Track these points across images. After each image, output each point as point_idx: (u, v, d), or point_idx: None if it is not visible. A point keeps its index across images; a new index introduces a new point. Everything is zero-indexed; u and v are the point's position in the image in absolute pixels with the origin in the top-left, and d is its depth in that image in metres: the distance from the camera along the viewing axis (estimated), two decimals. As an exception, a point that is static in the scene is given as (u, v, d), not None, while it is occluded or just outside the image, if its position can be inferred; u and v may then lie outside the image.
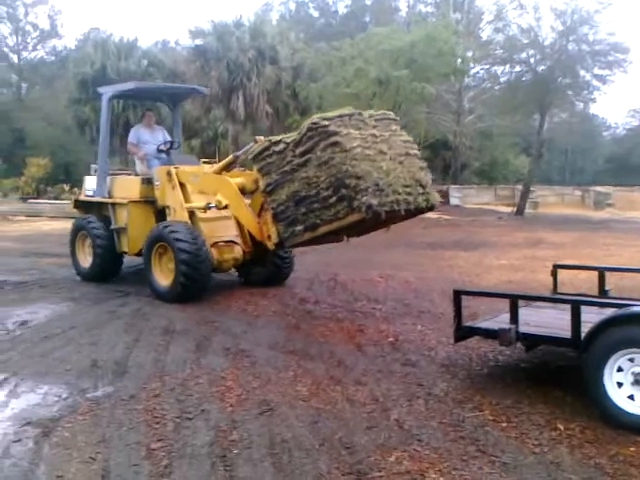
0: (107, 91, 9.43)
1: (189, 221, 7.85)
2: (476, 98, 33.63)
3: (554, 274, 6.05)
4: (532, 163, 28.83)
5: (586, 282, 7.42)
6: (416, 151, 6.52)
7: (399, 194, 5.85)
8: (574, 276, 8.26)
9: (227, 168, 7.85)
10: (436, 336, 6.05)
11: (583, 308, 4.26)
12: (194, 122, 37.31)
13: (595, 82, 25.58)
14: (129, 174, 9.49)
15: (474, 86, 34.94)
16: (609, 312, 4.12)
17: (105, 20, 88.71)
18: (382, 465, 3.40)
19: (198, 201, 7.93)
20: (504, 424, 3.93)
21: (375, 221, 6.02)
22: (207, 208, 7.71)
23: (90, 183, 9.38)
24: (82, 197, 9.66)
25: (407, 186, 6.01)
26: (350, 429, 3.89)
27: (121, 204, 8.73)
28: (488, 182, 40.16)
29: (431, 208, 6.46)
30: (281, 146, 6.26)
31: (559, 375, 4.92)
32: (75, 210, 9.97)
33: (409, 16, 27.30)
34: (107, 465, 3.44)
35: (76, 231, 9.30)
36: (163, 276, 7.79)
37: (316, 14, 54.31)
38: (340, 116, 6.07)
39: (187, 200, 7.98)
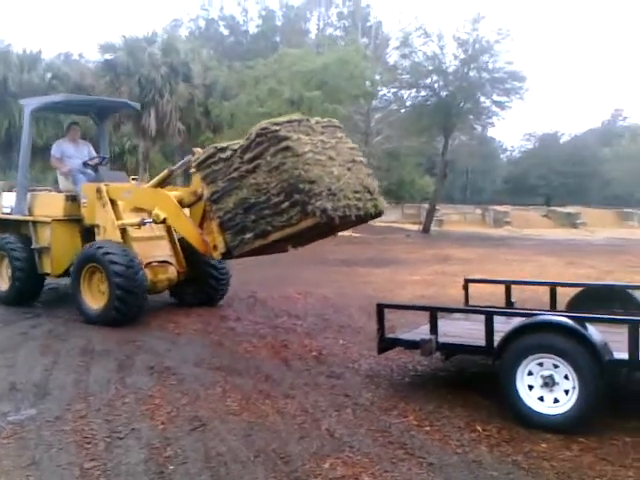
0: (30, 103, 8.97)
1: (121, 240, 7.58)
2: (383, 120, 34.74)
3: (465, 288, 6.45)
4: (437, 183, 30.13)
5: (492, 295, 7.86)
6: (362, 158, 6.51)
7: (349, 199, 5.81)
8: (482, 290, 8.73)
9: (162, 183, 7.65)
10: (358, 349, 6.29)
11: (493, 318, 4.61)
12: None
13: (494, 108, 27.28)
14: (49, 190, 9.11)
15: (381, 108, 36.15)
16: (517, 321, 4.48)
17: (3, 30, 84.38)
18: (317, 472, 3.54)
19: (130, 219, 7.67)
20: (428, 428, 4.18)
21: (327, 227, 5.98)
22: (142, 224, 7.48)
23: (7, 199, 8.89)
24: None
25: (357, 192, 5.98)
26: (283, 440, 4.00)
27: (43, 222, 8.30)
28: (395, 201, 41.55)
29: (379, 214, 6.42)
30: (228, 153, 6.13)
31: (474, 381, 5.27)
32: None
33: (319, 38, 27.88)
34: (40, 487, 3.38)
35: None
36: (94, 299, 7.44)
37: (226, 32, 54.34)
38: (289, 121, 6.02)
39: (118, 218, 7.71)
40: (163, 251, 8.02)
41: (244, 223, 6.02)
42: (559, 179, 49.02)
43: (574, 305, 5.71)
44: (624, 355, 4.04)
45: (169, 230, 8.17)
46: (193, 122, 24.59)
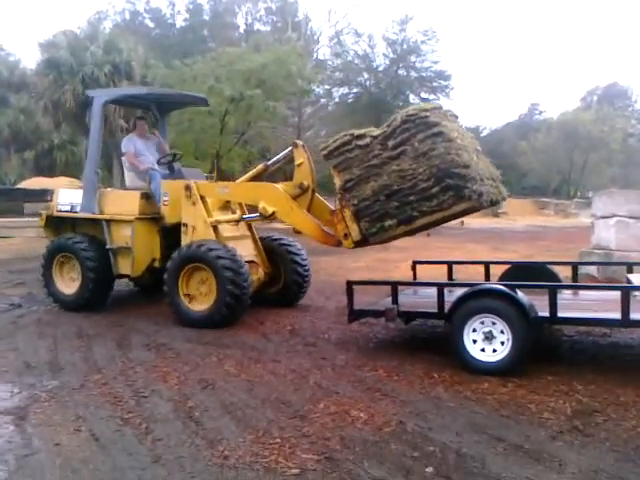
0: (102, 95, 8.66)
1: (215, 239, 7.36)
2: (314, 115, 35.84)
3: (414, 268, 7.53)
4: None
5: (432, 276, 9.00)
6: (480, 148, 6.52)
7: (486, 185, 5.84)
8: (423, 271, 9.88)
9: (255, 179, 7.72)
10: (325, 323, 7.26)
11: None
12: (30, 133, 35.65)
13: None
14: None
15: (311, 102, 37.23)
16: (463, 290, 5.54)
17: None
18: (315, 410, 4.46)
19: (224, 216, 7.69)
20: (395, 377, 5.18)
21: (470, 212, 6.05)
22: (241, 220, 7.66)
23: (65, 197, 8.45)
24: (57, 213, 8.49)
25: (487, 178, 6.00)
26: (281, 392, 4.89)
27: (121, 221, 7.94)
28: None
29: (503, 200, 6.49)
30: (366, 140, 6.08)
31: (425, 344, 6.35)
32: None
33: (256, 39, 28.63)
34: (94, 433, 4.13)
35: (54, 253, 8.23)
36: (195, 301, 7.25)
37: (152, 25, 53.91)
38: (433, 108, 6.08)
39: (209, 216, 7.52)
40: (249, 251, 7.94)
41: (385, 210, 5.94)
42: (481, 171, 51.39)
43: (504, 279, 6.85)
44: (546, 313, 5.16)
45: (251, 229, 8.29)
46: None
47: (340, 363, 5.65)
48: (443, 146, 5.64)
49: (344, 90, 30.12)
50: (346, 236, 6.40)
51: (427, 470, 3.50)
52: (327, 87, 30.70)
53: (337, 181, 6.26)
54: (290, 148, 7.48)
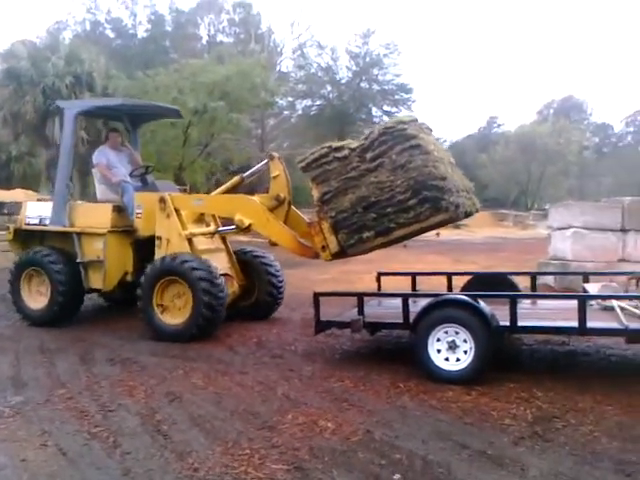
0: (73, 106, 8.50)
1: (190, 252, 7.26)
2: (277, 127, 35.97)
3: (378, 280, 7.67)
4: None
5: (396, 287, 9.14)
6: (453, 160, 6.62)
7: (461, 197, 5.94)
8: (386, 283, 10.02)
9: (231, 191, 7.66)
10: (291, 335, 7.32)
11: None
12: (-15, 146, 34.80)
13: (385, 118, 29.28)
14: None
15: (274, 114, 37.36)
16: (426, 301, 5.66)
17: None
18: (284, 421, 4.51)
19: (199, 229, 7.65)
20: (362, 387, 5.26)
21: (446, 223, 6.14)
22: (216, 232, 7.58)
23: (34, 210, 8.31)
24: (25, 226, 8.34)
25: (462, 190, 6.09)
26: (249, 404, 4.92)
27: (92, 234, 7.80)
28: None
29: (476, 212, 6.56)
30: (344, 152, 6.12)
31: (391, 354, 6.46)
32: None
33: (218, 50, 28.64)
34: (61, 448, 4.09)
35: (22, 267, 8.07)
36: (168, 313, 7.13)
37: (112, 35, 53.43)
38: (410, 121, 6.15)
39: (184, 229, 7.44)
40: (223, 264, 7.83)
41: (363, 222, 5.97)
42: (442, 183, 52.26)
43: (466, 289, 7.02)
44: (506, 322, 5.32)
45: (225, 242, 8.22)
46: (94, 130, 24.52)
47: (307, 374, 5.71)
48: (420, 158, 5.72)
49: (307, 102, 30.46)
50: (324, 248, 6.41)
51: (394, 477, 3.58)
52: (290, 99, 30.94)
53: (315, 193, 6.27)
54: (266, 160, 7.48)
